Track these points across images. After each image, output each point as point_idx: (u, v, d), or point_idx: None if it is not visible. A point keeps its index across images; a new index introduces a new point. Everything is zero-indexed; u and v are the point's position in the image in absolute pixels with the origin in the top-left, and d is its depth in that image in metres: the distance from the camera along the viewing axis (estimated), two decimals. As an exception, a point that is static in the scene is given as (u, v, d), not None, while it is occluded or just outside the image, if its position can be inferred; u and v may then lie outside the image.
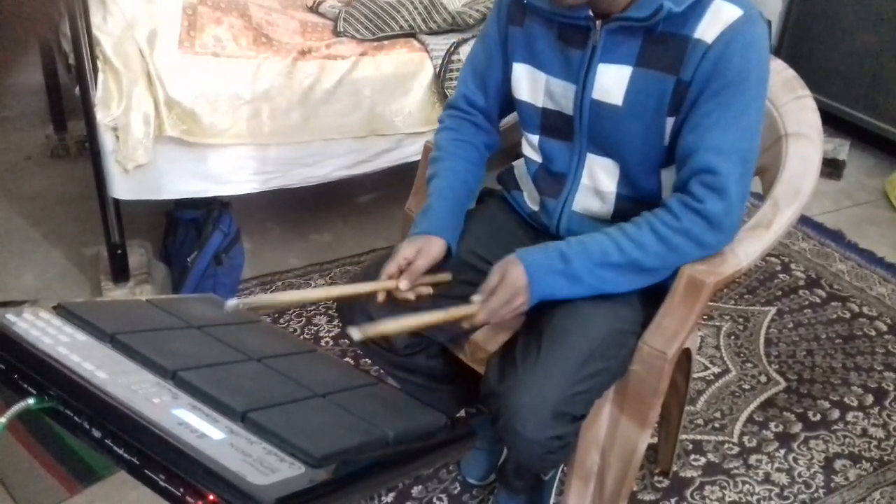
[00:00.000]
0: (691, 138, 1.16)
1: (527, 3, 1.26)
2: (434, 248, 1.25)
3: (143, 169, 1.83)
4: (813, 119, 1.40)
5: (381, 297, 1.21)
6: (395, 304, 1.28)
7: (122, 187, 1.85)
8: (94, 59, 1.75)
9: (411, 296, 1.22)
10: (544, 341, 1.19)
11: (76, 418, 0.78)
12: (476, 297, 1.18)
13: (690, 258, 1.20)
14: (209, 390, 0.83)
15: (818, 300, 2.29)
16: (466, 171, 1.37)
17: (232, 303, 1.00)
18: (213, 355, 0.93)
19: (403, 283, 1.20)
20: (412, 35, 2.17)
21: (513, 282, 1.16)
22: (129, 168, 1.80)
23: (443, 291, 1.31)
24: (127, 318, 0.97)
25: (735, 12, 1.13)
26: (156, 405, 0.78)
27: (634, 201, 1.27)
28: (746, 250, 1.25)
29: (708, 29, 1.13)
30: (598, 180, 1.29)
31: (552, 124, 1.31)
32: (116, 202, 1.90)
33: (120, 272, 1.97)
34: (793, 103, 1.40)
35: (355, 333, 1.02)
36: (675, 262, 1.20)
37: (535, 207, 1.40)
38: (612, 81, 1.20)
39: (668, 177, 1.26)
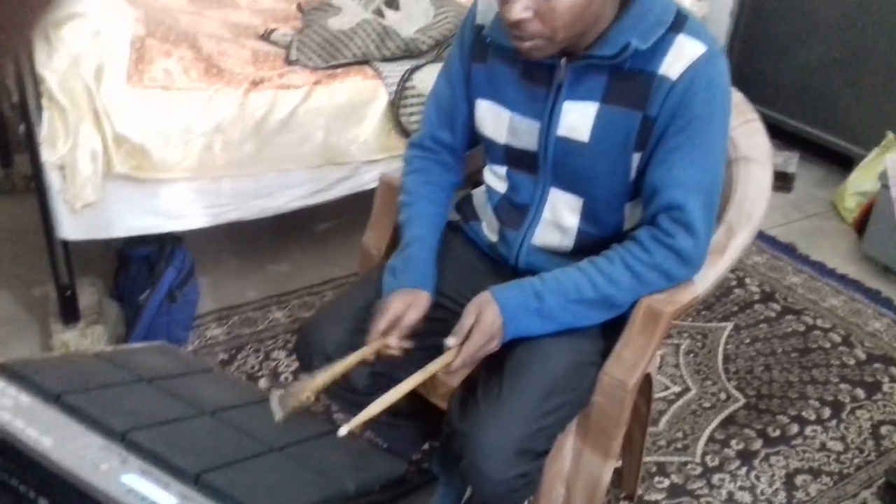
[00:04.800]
0: (658, 174, 1.17)
1: (489, 41, 1.26)
2: (423, 302, 1.23)
3: (92, 207, 1.78)
4: (762, 142, 1.42)
5: (371, 359, 1.19)
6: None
7: (70, 227, 1.80)
8: (38, 97, 1.70)
9: (398, 353, 1.20)
10: (505, 376, 1.19)
11: (21, 489, 0.75)
12: (450, 340, 1.16)
13: (658, 290, 1.21)
14: (160, 451, 0.80)
15: (773, 314, 2.32)
16: (438, 216, 1.37)
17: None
18: (164, 411, 0.91)
19: (394, 341, 1.18)
20: (365, 62, 2.16)
21: (489, 324, 1.16)
22: (77, 207, 1.75)
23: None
24: (74, 376, 0.94)
25: (699, 48, 1.14)
26: (104, 472, 0.75)
27: (596, 237, 1.27)
28: (702, 277, 1.26)
29: (672, 65, 1.14)
30: (560, 215, 1.29)
31: (517, 159, 1.30)
32: (65, 241, 1.85)
33: (70, 313, 1.92)
34: (742, 127, 1.42)
35: (343, 431, 1.00)
36: (643, 295, 1.21)
37: (494, 238, 1.39)
38: (579, 118, 1.20)
39: (631, 211, 1.27)
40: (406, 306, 1.21)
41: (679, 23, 1.15)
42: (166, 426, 0.87)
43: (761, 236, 2.66)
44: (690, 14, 1.18)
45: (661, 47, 1.14)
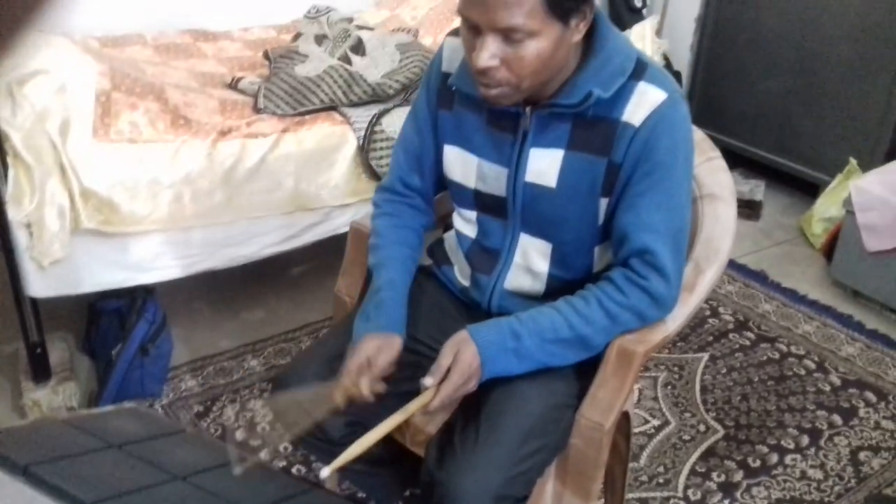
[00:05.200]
0: (626, 219, 1.19)
1: (455, 89, 1.28)
2: (394, 347, 1.22)
3: (61, 263, 1.76)
4: (725, 179, 1.44)
5: (343, 407, 1.17)
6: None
7: (38, 284, 1.78)
8: (3, 154, 1.69)
9: (370, 398, 1.18)
10: (482, 422, 1.18)
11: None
12: (427, 381, 1.15)
13: (631, 330, 1.22)
14: (131, 523, 0.78)
15: (748, 343, 2.34)
16: (409, 259, 1.36)
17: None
18: (134, 479, 0.89)
19: (365, 385, 1.16)
20: (333, 108, 2.18)
21: (468, 364, 1.15)
22: (45, 264, 1.73)
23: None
24: (41, 445, 0.92)
25: (660, 95, 1.16)
26: (72, 548, 0.74)
27: (566, 281, 1.28)
28: (673, 316, 1.26)
29: (635, 112, 1.16)
30: (531, 260, 1.30)
31: (486, 204, 1.32)
32: (34, 299, 1.82)
33: (40, 371, 1.88)
34: (704, 165, 1.44)
35: (325, 472, 0.98)
36: (617, 335, 1.22)
37: (466, 283, 1.40)
38: (545, 165, 1.22)
39: (600, 254, 1.28)
40: (377, 349, 1.20)
41: (640, 70, 1.17)
42: (136, 495, 0.85)
43: (733, 265, 2.69)
44: (651, 61, 1.21)
45: (623, 95, 1.16)
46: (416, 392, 1.18)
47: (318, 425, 1.26)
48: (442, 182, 1.40)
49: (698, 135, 1.47)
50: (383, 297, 1.28)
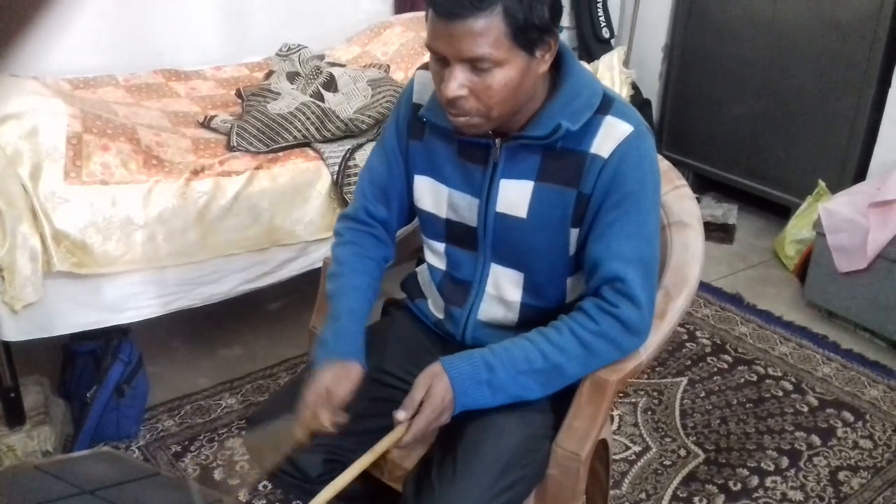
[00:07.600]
0: (597, 248, 1.20)
1: (426, 120, 1.29)
2: (353, 375, 1.22)
3: (34, 307, 1.75)
4: (692, 207, 1.46)
5: (307, 441, 1.19)
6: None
7: (11, 329, 1.76)
8: (-27, 200, 1.69)
9: (332, 429, 1.18)
10: (459, 456, 1.18)
11: None
12: (400, 415, 1.15)
13: (608, 361, 1.22)
14: (102, 571, 0.77)
15: (725, 366, 2.36)
16: (370, 289, 1.35)
17: None
18: (106, 525, 0.88)
19: (326, 418, 1.17)
20: (306, 144, 2.19)
21: (440, 398, 1.15)
22: (17, 308, 1.72)
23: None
24: (13, 493, 0.91)
25: (626, 128, 1.18)
26: None
27: (539, 310, 1.29)
28: (645, 343, 1.27)
29: (603, 144, 1.18)
30: (503, 290, 1.31)
31: (456, 234, 1.33)
32: (6, 343, 1.80)
33: (15, 416, 1.86)
34: (672, 193, 1.47)
35: None
36: (595, 365, 1.22)
37: (440, 315, 1.40)
38: (516, 196, 1.23)
39: (573, 285, 1.29)
40: (335, 379, 1.20)
41: (606, 105, 1.20)
42: (108, 542, 0.84)
43: (708, 288, 2.72)
44: (616, 96, 1.23)
45: (590, 128, 1.19)
46: (391, 426, 1.18)
47: (288, 460, 1.26)
48: (408, 214, 1.41)
49: (665, 164, 1.50)
50: (343, 326, 1.27)
